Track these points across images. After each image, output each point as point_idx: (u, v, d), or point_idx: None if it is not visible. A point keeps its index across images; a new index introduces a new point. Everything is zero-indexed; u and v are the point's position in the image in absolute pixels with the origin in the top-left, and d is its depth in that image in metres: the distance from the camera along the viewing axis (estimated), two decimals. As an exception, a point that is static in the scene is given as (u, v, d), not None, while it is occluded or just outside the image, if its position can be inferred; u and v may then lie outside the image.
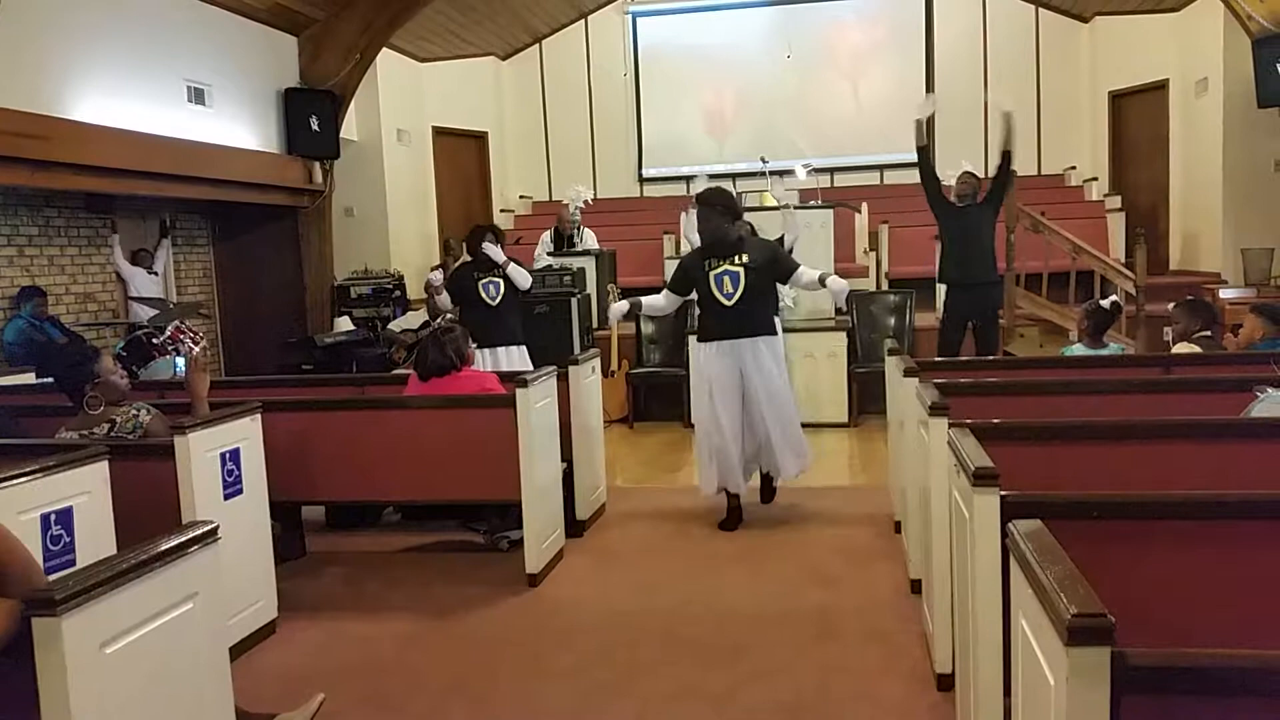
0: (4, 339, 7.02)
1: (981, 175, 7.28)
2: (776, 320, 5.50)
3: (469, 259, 6.61)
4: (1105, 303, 5.25)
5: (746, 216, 6.26)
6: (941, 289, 7.52)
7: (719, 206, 5.14)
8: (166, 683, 2.13)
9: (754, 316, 5.13)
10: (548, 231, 9.48)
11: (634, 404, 8.23)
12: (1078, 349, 5.21)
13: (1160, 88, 10.39)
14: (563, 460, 5.04)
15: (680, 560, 4.79)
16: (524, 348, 6.55)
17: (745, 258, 5.08)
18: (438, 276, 7.22)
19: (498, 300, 6.38)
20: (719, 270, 5.10)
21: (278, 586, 4.10)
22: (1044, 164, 11.73)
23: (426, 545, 5.24)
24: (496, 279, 6.41)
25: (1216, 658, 1.55)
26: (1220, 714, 1.51)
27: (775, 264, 5.19)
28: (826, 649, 3.69)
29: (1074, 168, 11.59)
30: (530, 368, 6.19)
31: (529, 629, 4.02)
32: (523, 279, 6.53)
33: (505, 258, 6.48)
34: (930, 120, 6.79)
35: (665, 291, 5.40)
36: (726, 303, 5.09)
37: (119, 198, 8.11)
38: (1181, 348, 4.93)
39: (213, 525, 2.32)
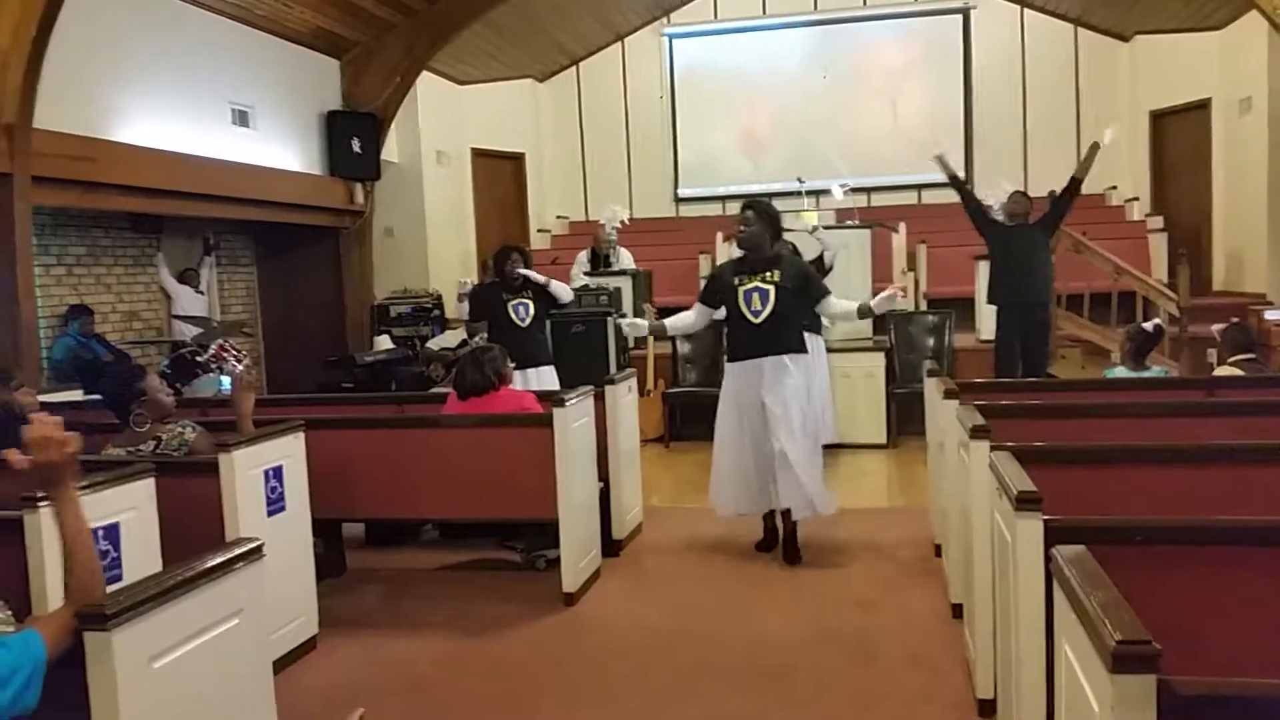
0: (53, 356, 7.16)
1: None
2: (818, 339, 5.40)
3: (496, 279, 6.63)
4: (1148, 326, 5.20)
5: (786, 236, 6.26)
6: (987, 310, 7.47)
7: (766, 215, 5.01)
8: (212, 697, 2.16)
9: (781, 336, 4.92)
10: (584, 252, 9.53)
11: (670, 424, 8.23)
12: (1120, 371, 5.16)
13: (1202, 107, 10.28)
14: (599, 480, 5.05)
15: (717, 582, 4.78)
16: (552, 368, 6.56)
17: (778, 275, 4.92)
18: (467, 284, 7.24)
19: (528, 321, 6.39)
20: (749, 286, 4.93)
21: (318, 603, 4.14)
22: (1085, 184, 11.59)
23: (464, 563, 5.27)
24: (526, 300, 6.39)
25: (1263, 688, 1.52)
26: (1269, 744, 1.49)
27: (808, 287, 5.02)
28: (865, 674, 3.66)
29: (1115, 188, 11.48)
30: (557, 387, 6.23)
31: (565, 649, 4.03)
32: (565, 294, 6.59)
33: (545, 278, 6.52)
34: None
35: (696, 305, 5.26)
36: (754, 320, 4.91)
37: (165, 218, 8.26)
38: (1222, 371, 4.87)
39: (258, 542, 2.35)
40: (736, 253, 5.28)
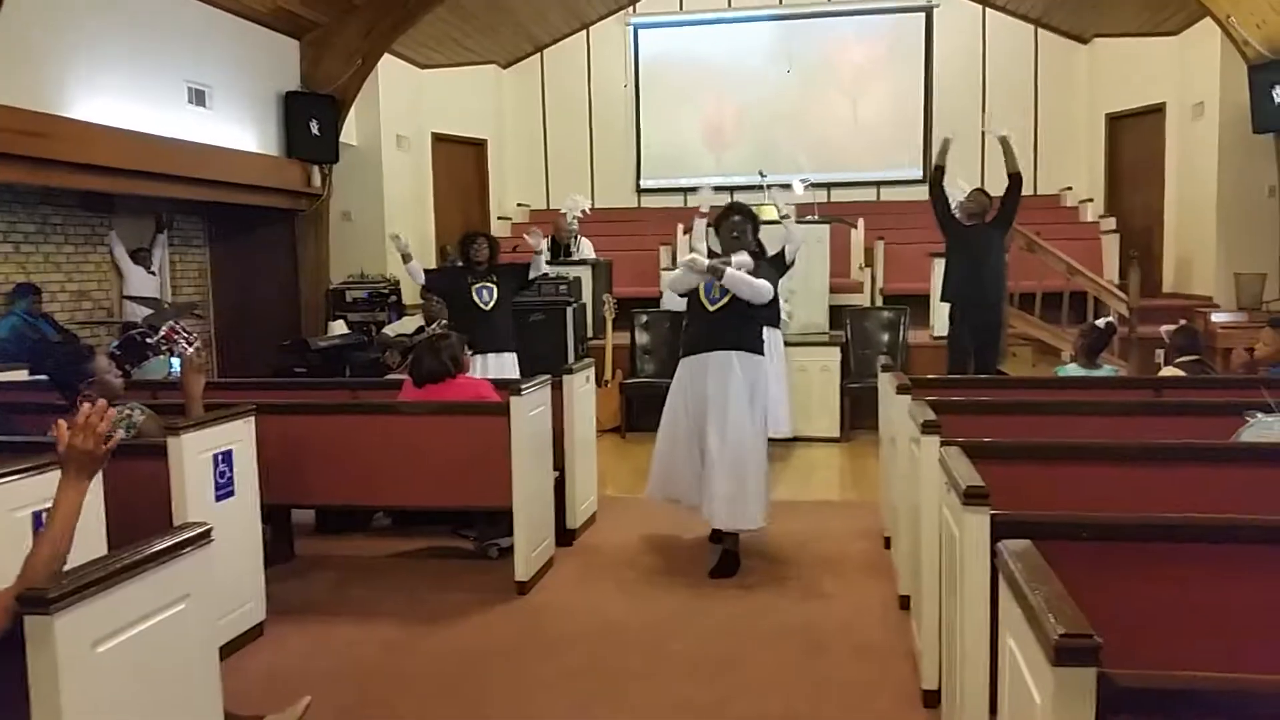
0: (-1, 335, 7.01)
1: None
2: (776, 333, 5.29)
3: (461, 263, 6.62)
4: (1100, 323, 5.28)
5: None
6: (942, 306, 7.54)
7: (751, 218, 5.05)
8: (157, 682, 2.13)
9: (735, 330, 4.73)
10: (544, 240, 9.48)
11: (626, 414, 8.24)
12: (1072, 369, 5.24)
13: (1157, 111, 10.46)
14: (555, 469, 5.04)
15: (670, 572, 4.80)
16: (514, 355, 6.55)
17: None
18: (400, 239, 6.97)
19: (490, 305, 6.38)
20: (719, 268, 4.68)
21: (266, 589, 4.10)
22: (1040, 184, 11.77)
23: (416, 551, 5.24)
24: (490, 284, 6.40)
25: (1202, 681, 1.56)
26: (1204, 737, 1.52)
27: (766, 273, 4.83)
28: (815, 664, 3.70)
29: (1070, 188, 11.65)
30: (517, 375, 6.24)
31: (518, 637, 4.03)
32: (539, 266, 6.68)
33: (541, 247, 6.64)
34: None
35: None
36: (709, 307, 4.74)
37: (117, 196, 8.11)
38: (1167, 372, 4.97)
39: (206, 527, 2.32)
40: (699, 245, 5.27)
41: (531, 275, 6.67)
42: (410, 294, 10.39)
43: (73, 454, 2.16)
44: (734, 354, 4.71)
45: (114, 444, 2.22)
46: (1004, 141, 6.78)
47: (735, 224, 4.98)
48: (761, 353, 4.86)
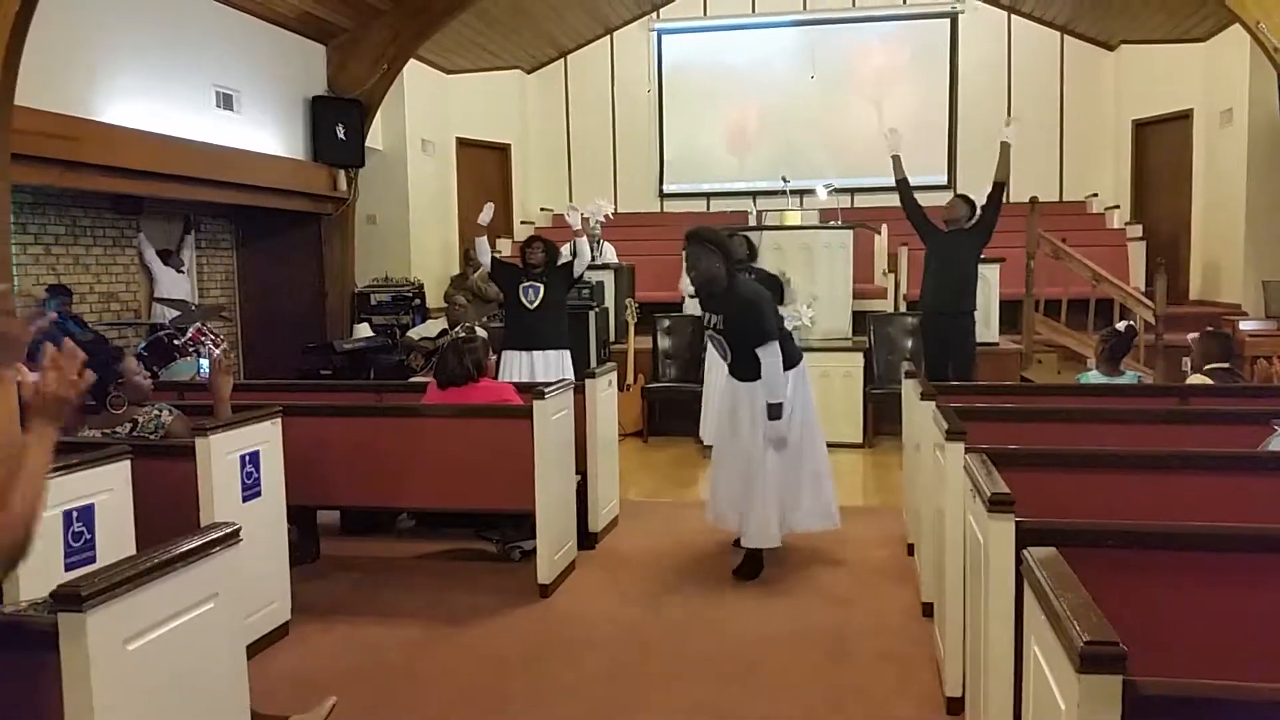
0: (28, 336, 7.09)
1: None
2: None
3: (519, 265, 6.89)
4: (1120, 326, 5.24)
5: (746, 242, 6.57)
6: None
7: (708, 244, 4.56)
8: (186, 680, 2.16)
9: (744, 370, 4.64)
10: (568, 245, 9.52)
11: (648, 419, 8.25)
12: (1094, 375, 5.20)
13: (1185, 117, 10.38)
14: (577, 473, 5.06)
15: (692, 576, 4.80)
16: (565, 353, 6.66)
17: (723, 321, 4.61)
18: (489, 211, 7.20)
19: (535, 304, 6.54)
20: (711, 332, 4.71)
21: (291, 589, 4.14)
22: (1065, 191, 11.72)
23: (439, 553, 5.27)
24: (537, 284, 6.58)
25: (1227, 690, 1.55)
26: (1230, 746, 1.52)
27: (744, 326, 4.56)
28: (837, 669, 3.69)
29: (1095, 195, 11.58)
30: (569, 373, 6.32)
31: (540, 640, 4.04)
32: (584, 254, 6.85)
33: (579, 226, 6.90)
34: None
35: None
36: (726, 361, 4.77)
37: (146, 199, 8.20)
38: (1195, 379, 4.92)
39: (235, 527, 2.35)
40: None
41: (578, 270, 6.81)
42: (434, 298, 10.46)
43: (42, 400, 2.04)
44: (743, 387, 4.67)
45: (85, 384, 2.10)
46: (1005, 147, 6.74)
47: (691, 253, 4.60)
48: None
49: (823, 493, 4.86)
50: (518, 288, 6.66)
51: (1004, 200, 6.79)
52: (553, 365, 6.46)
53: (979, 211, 6.88)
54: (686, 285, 4.98)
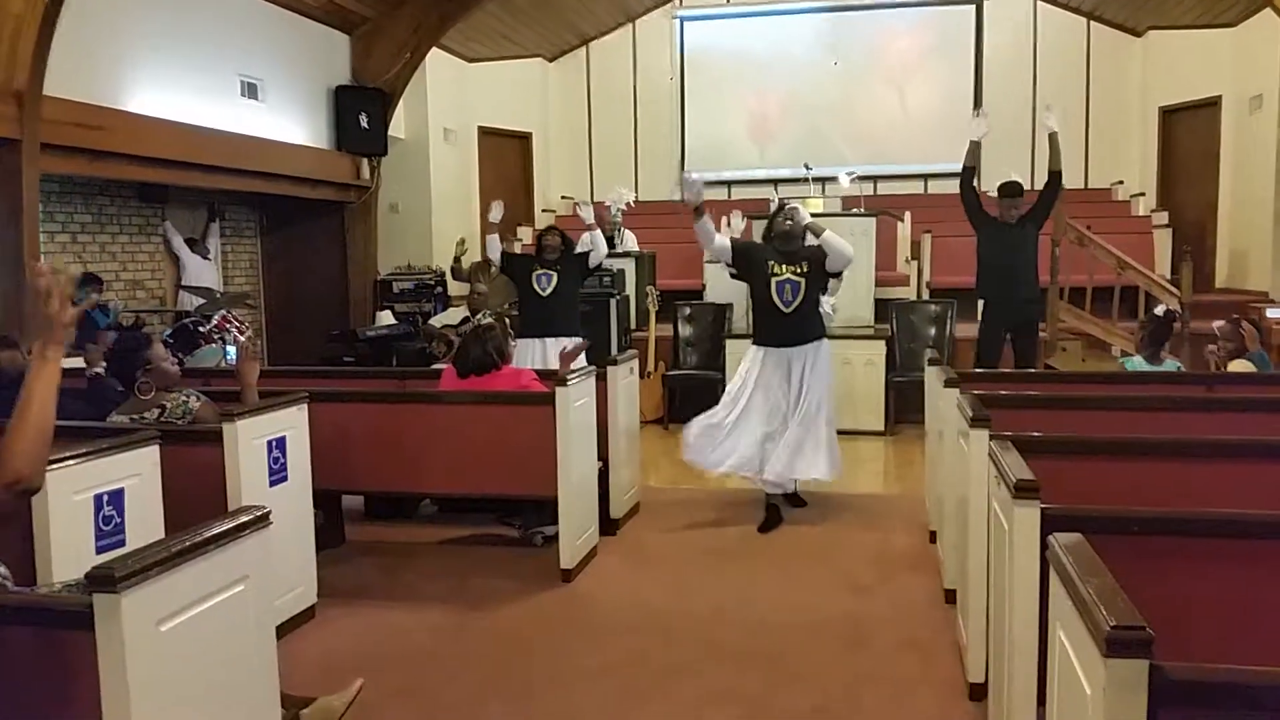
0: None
1: (1027, 187, 7.18)
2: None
3: (534, 253, 6.93)
4: (1159, 310, 5.20)
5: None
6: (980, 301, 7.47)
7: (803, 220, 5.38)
8: (217, 661, 2.19)
9: (808, 324, 5.32)
10: (585, 235, 9.52)
11: (669, 405, 8.26)
12: (1138, 362, 5.15)
13: (1213, 104, 10.26)
14: (599, 459, 5.08)
15: (713, 562, 4.82)
16: (577, 340, 6.68)
17: (806, 266, 5.26)
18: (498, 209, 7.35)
19: (548, 292, 6.59)
20: (782, 278, 5.26)
21: (317, 573, 4.18)
22: (1091, 178, 11.62)
23: (462, 538, 5.30)
24: (550, 271, 6.62)
25: (1254, 675, 1.55)
26: (1257, 731, 1.52)
27: (823, 270, 5.34)
28: (859, 657, 3.70)
29: (1121, 182, 11.47)
30: (583, 360, 6.33)
31: (562, 625, 4.07)
32: (600, 246, 6.84)
33: (592, 220, 6.90)
34: (975, 148, 6.74)
35: (727, 246, 5.54)
36: (785, 309, 5.25)
37: (171, 188, 8.27)
38: (1237, 365, 4.88)
39: (265, 510, 2.37)
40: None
41: (593, 262, 6.82)
42: (455, 286, 10.49)
43: (36, 318, 2.12)
44: (809, 346, 5.32)
45: (72, 311, 2.14)
46: (1053, 137, 6.66)
47: (791, 212, 5.39)
48: (825, 332, 5.50)
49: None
50: (531, 276, 6.69)
51: (1060, 189, 6.71)
52: None
53: (1038, 198, 6.78)
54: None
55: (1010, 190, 6.68)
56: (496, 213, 7.07)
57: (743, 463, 5.32)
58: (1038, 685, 2.26)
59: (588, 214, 7.04)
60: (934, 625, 3.94)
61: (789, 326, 5.29)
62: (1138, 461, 3.06)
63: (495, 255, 7.05)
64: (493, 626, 4.06)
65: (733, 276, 5.77)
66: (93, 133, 6.46)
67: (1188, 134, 10.75)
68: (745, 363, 5.46)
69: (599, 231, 6.94)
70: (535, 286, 6.65)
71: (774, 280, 5.27)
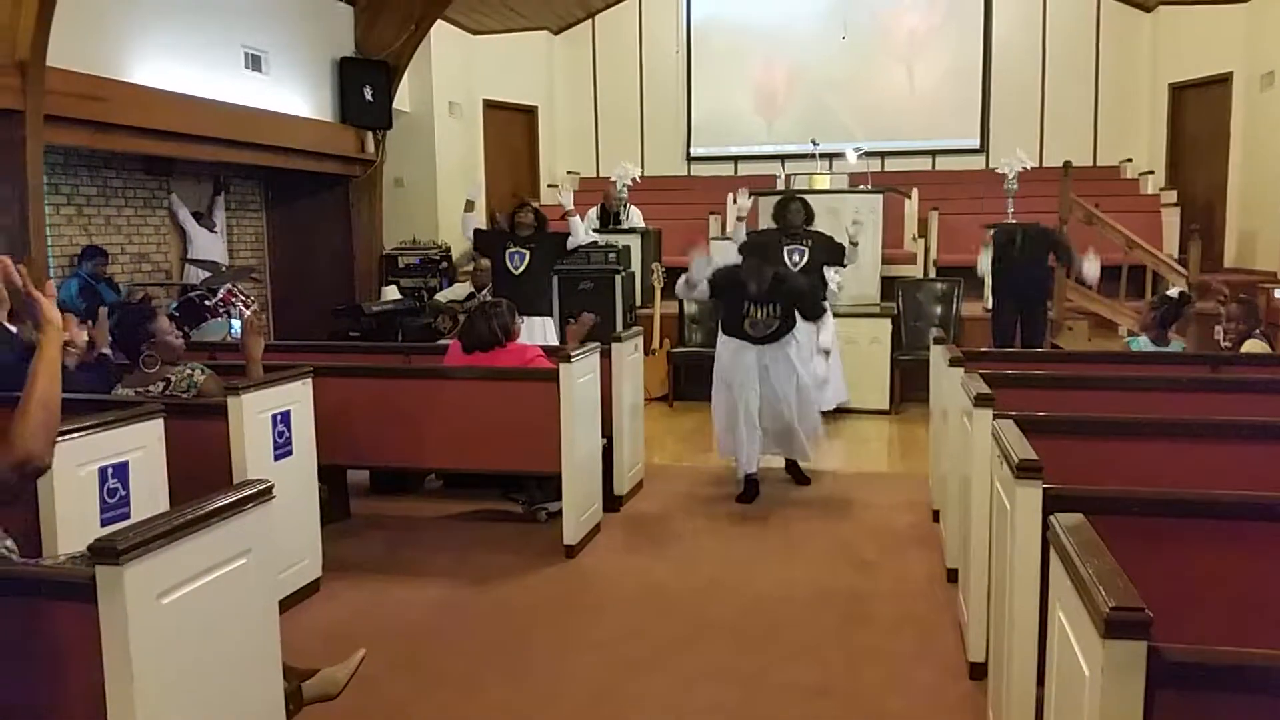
0: (59, 295, 7.16)
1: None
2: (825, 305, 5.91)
3: (507, 228, 6.76)
4: (1173, 292, 5.17)
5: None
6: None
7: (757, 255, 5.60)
8: (220, 634, 2.20)
9: (782, 330, 5.41)
10: (594, 208, 9.50)
11: (674, 383, 8.26)
12: (1143, 342, 5.13)
13: (1223, 81, 10.17)
14: (603, 436, 5.08)
15: (715, 539, 4.83)
16: (548, 319, 6.68)
17: (777, 309, 5.36)
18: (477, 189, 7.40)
19: (520, 270, 6.50)
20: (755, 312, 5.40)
21: (322, 547, 4.20)
22: (1100, 155, 11.54)
23: (466, 513, 5.32)
24: (524, 250, 6.51)
25: (1253, 657, 1.55)
26: (1255, 713, 1.52)
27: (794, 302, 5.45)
28: (859, 633, 3.71)
29: (1130, 160, 11.39)
30: (553, 339, 6.33)
31: (564, 600, 4.09)
32: (578, 233, 6.68)
33: (571, 206, 6.77)
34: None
35: (704, 286, 5.46)
36: (754, 334, 5.40)
37: (177, 161, 8.25)
38: (1252, 345, 4.86)
39: (268, 484, 2.38)
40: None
41: (571, 245, 6.63)
42: (460, 258, 10.48)
43: (21, 309, 2.21)
44: (789, 337, 5.45)
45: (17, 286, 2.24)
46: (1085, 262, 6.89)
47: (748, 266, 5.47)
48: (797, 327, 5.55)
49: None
50: (504, 254, 6.56)
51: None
52: (535, 331, 6.44)
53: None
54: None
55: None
56: (476, 192, 7.07)
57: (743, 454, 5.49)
58: (1037, 665, 2.27)
59: (567, 199, 6.83)
60: (935, 603, 3.96)
61: (760, 337, 5.42)
62: (1141, 442, 3.05)
63: (469, 234, 6.99)
64: (495, 601, 4.08)
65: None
66: (97, 104, 6.43)
67: (1198, 111, 10.66)
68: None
69: (578, 218, 6.78)
70: (508, 264, 6.52)
71: (747, 318, 5.40)
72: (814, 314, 5.58)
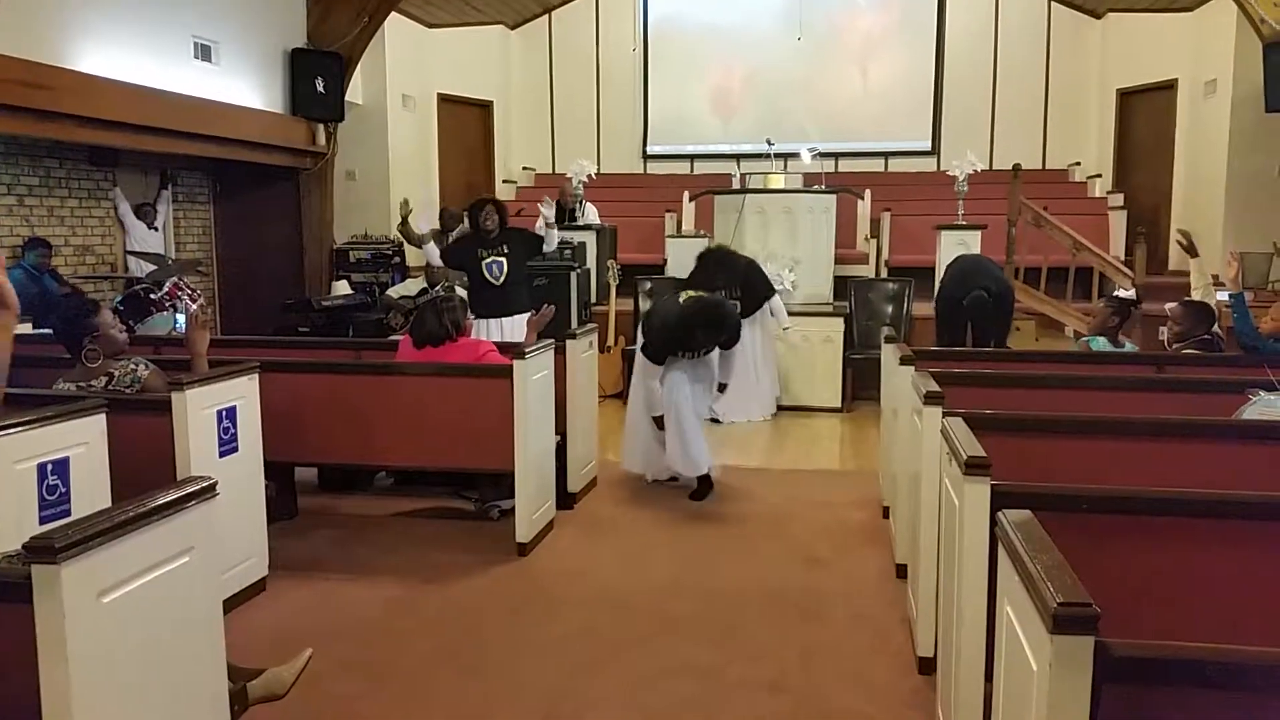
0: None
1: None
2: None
3: (470, 231, 6.62)
4: (1123, 293, 5.25)
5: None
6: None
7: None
8: (162, 634, 2.15)
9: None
10: (548, 204, 9.43)
11: (628, 380, 8.22)
12: (1102, 342, 5.20)
13: (1169, 87, 10.38)
14: (556, 433, 5.06)
15: (669, 537, 4.83)
16: (548, 308, 6.65)
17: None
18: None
19: (501, 280, 6.37)
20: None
21: (269, 545, 4.13)
22: (1049, 159, 11.72)
23: (418, 511, 5.27)
24: (499, 258, 6.38)
25: (1198, 651, 1.57)
26: (1199, 706, 1.54)
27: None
28: (812, 630, 3.73)
29: (1078, 164, 11.59)
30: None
31: (517, 598, 4.06)
32: (552, 242, 6.75)
33: (552, 219, 6.78)
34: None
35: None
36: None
37: (122, 151, 8.08)
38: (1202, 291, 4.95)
39: (211, 481, 2.33)
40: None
41: (546, 249, 6.70)
42: (414, 256, 10.38)
43: None
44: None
45: None
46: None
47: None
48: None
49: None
50: (480, 264, 6.37)
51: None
52: (519, 328, 6.40)
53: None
54: None
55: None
56: (422, 222, 7.12)
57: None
58: (986, 660, 2.29)
59: (549, 212, 6.74)
60: (886, 599, 3.99)
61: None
62: (1088, 440, 3.10)
63: (436, 261, 6.96)
64: (446, 599, 4.04)
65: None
66: (39, 92, 6.27)
67: (1144, 117, 10.87)
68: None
69: (555, 232, 6.77)
70: (487, 276, 6.35)
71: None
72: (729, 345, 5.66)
